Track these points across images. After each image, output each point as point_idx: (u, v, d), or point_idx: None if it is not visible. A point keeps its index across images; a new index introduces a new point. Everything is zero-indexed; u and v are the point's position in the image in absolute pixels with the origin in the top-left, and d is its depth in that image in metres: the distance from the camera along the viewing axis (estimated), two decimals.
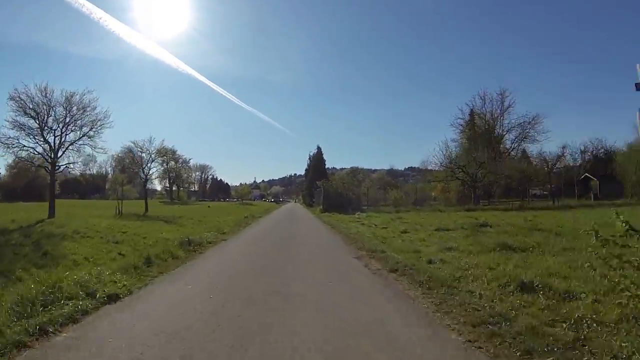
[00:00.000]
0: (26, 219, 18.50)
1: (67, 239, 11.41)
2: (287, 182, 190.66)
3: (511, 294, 4.99)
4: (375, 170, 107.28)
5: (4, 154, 20.32)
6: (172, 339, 3.78)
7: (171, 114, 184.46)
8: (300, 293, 5.58)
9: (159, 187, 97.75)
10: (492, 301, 4.74)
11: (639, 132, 24.90)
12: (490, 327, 3.89)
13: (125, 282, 5.97)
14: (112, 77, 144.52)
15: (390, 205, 35.24)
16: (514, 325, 3.85)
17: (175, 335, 3.90)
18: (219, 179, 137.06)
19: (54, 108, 20.33)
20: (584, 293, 4.79)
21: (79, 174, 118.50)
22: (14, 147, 20.35)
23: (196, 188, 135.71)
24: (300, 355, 3.38)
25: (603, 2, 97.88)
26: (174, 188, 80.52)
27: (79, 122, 21.53)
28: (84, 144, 22.26)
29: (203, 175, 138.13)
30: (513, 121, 55.35)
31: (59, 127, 20.96)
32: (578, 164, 47.15)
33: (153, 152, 34.12)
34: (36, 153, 21.43)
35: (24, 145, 20.35)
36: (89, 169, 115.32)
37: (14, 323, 4.05)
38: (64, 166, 22.70)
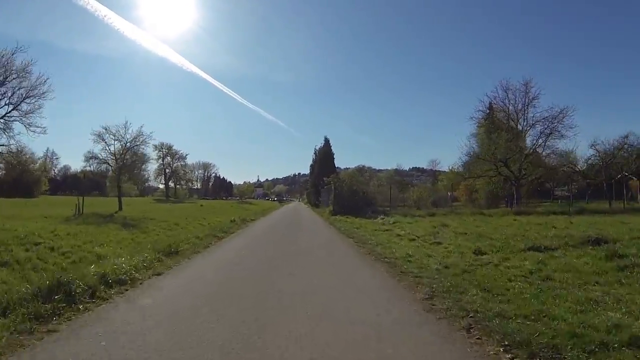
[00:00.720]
0: None
1: None
2: (291, 181, 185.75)
3: None
4: (380, 171, 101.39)
5: None
6: None
7: (176, 112, 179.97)
8: None
9: (161, 185, 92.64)
10: None
11: None
12: None
13: None
14: (117, 75, 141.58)
15: (411, 206, 29.05)
16: None
17: None
18: (221, 177, 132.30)
19: None
20: None
21: (79, 170, 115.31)
22: None
23: (199, 186, 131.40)
24: None
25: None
26: (171, 185, 74.55)
27: (3, 88, 15.48)
28: (13, 119, 16.25)
29: (206, 173, 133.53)
30: (538, 114, 48.65)
31: None
32: (607, 162, 40.64)
33: (129, 139, 28.13)
34: None
35: None
36: (89, 166, 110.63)
37: None
38: None
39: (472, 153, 56.60)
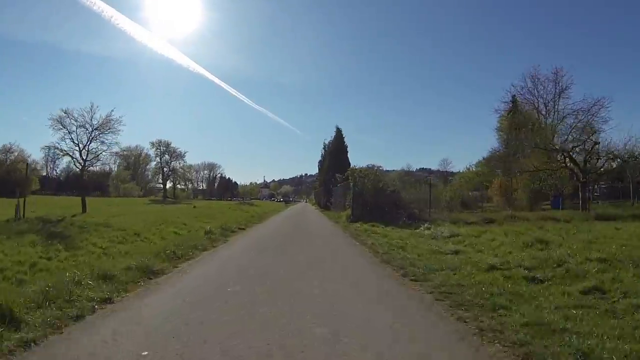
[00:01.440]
0: None
1: None
2: (298, 182, 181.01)
3: None
4: (388, 171, 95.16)
5: None
6: None
7: (182, 113, 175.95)
8: None
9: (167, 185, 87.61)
10: None
11: None
12: None
13: None
14: (123, 76, 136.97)
15: (443, 208, 22.96)
16: None
17: None
18: (227, 178, 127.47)
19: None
20: None
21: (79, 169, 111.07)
22: None
23: (204, 186, 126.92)
24: None
25: None
26: (169, 185, 69.19)
27: None
28: None
29: (211, 174, 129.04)
30: (569, 107, 41.70)
31: None
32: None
33: (96, 125, 22.52)
34: None
35: None
36: (92, 166, 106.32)
37: None
38: None
39: (504, 146, 49.68)
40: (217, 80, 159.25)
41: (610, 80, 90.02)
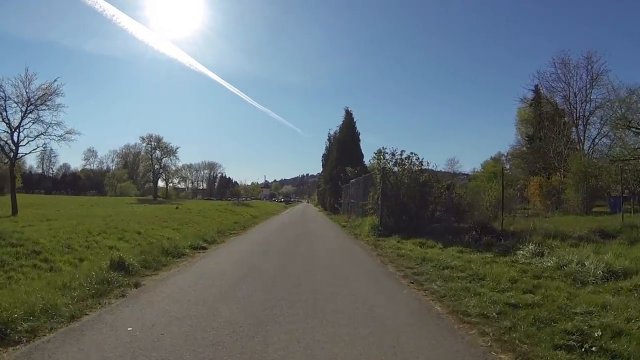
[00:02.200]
0: None
1: None
2: (300, 182, 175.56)
3: None
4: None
5: None
6: None
7: (183, 112, 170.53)
8: None
9: (162, 184, 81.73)
10: None
11: None
12: None
13: None
14: (125, 75, 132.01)
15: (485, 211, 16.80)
16: None
17: None
18: (227, 177, 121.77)
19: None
20: None
21: (79, 168, 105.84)
22: None
23: (204, 186, 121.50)
24: None
25: None
26: (162, 184, 63.17)
27: None
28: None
29: (212, 173, 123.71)
30: (600, 97, 35.27)
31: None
32: None
33: (33, 97, 16.48)
34: None
35: None
36: (90, 164, 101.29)
37: None
38: None
39: (527, 140, 43.08)
40: (219, 80, 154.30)
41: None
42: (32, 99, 16.10)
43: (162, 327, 3.48)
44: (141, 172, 59.61)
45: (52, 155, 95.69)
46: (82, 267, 6.42)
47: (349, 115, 28.93)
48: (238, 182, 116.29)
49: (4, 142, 16.22)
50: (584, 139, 37.26)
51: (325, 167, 32.62)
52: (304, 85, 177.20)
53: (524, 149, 43.67)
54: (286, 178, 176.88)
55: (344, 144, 27.12)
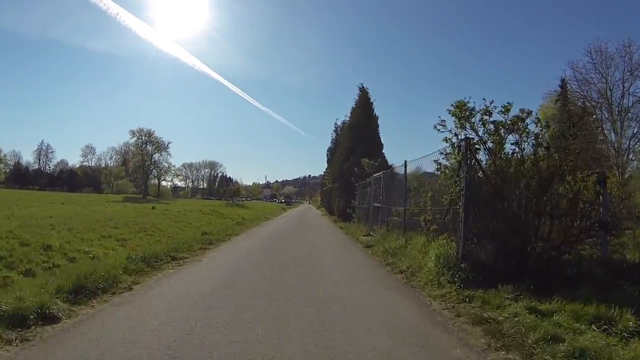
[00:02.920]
0: None
1: None
2: (301, 183, 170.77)
3: None
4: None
5: None
6: None
7: (186, 112, 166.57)
8: None
9: (165, 182, 76.30)
10: None
11: None
12: None
13: None
14: (128, 73, 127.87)
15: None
16: None
17: None
18: (228, 177, 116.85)
19: None
20: None
21: (77, 165, 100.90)
22: None
23: (204, 185, 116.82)
24: None
25: None
26: (168, 183, 57.65)
27: None
28: None
29: (212, 173, 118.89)
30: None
31: None
32: None
33: None
34: None
35: None
36: (88, 161, 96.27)
37: None
38: None
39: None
40: (222, 80, 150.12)
41: None
42: None
43: None
44: (130, 167, 54.07)
45: (49, 151, 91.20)
46: None
47: (364, 94, 20.89)
48: (238, 181, 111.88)
49: None
50: (621, 136, 31.59)
51: (332, 162, 26.32)
52: (307, 87, 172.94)
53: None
54: (288, 179, 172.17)
55: (359, 129, 19.36)
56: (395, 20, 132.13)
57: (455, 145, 5.22)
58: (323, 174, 38.40)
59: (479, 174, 5.12)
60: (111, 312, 3.66)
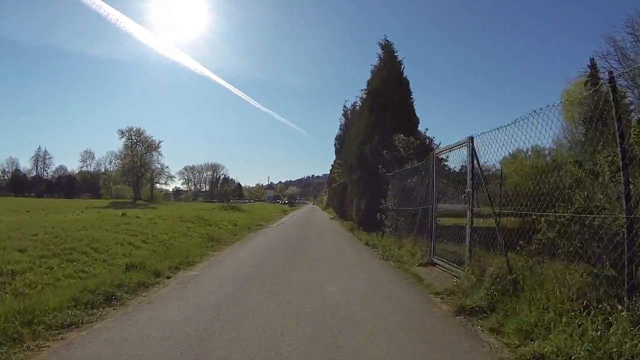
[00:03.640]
0: None
1: None
2: (305, 184, 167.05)
3: None
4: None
5: None
6: None
7: (187, 115, 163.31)
8: None
9: (166, 186, 71.32)
10: None
11: None
12: None
13: None
14: (129, 79, 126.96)
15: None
16: None
17: None
18: (230, 179, 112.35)
19: None
20: None
21: (76, 171, 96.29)
22: None
23: (206, 188, 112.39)
24: None
25: None
26: (162, 186, 52.48)
27: None
28: None
29: (215, 175, 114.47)
30: None
31: None
32: None
33: None
34: None
35: None
36: (87, 166, 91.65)
37: None
38: None
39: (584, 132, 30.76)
40: (223, 82, 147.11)
41: None
42: None
43: None
44: (120, 170, 48.66)
45: (47, 157, 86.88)
46: None
47: (388, 51, 13.30)
48: (239, 182, 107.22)
49: None
50: None
51: (343, 151, 19.48)
52: (308, 87, 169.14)
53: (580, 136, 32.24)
54: (291, 179, 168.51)
55: (385, 95, 12.15)
56: (399, 18, 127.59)
57: None
58: (331, 167, 32.77)
59: None
60: None
